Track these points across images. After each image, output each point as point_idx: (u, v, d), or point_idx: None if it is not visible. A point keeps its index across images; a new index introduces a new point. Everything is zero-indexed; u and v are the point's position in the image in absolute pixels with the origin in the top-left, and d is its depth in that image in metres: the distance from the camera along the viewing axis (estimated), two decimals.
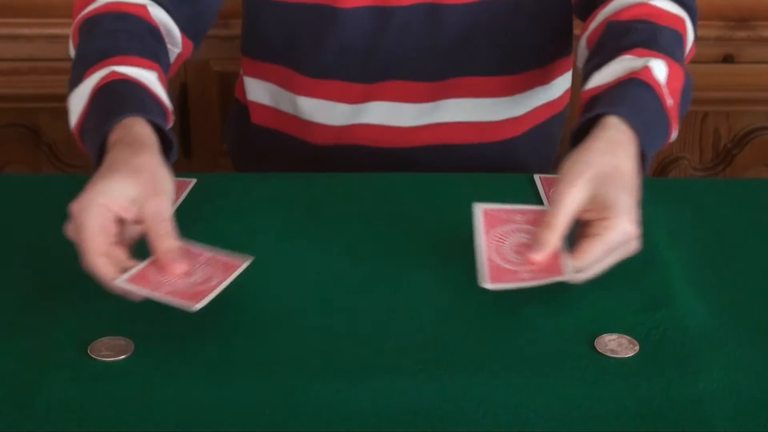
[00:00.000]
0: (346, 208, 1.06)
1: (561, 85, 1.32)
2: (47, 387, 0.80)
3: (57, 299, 0.91)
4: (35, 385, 0.81)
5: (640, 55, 1.03)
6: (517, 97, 1.27)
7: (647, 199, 1.06)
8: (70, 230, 0.90)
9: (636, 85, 1.00)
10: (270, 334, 0.87)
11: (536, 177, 1.12)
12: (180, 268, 0.88)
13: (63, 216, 1.04)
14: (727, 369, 0.83)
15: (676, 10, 1.11)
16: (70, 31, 1.13)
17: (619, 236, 0.89)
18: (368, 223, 1.04)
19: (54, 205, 1.07)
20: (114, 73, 1.00)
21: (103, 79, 1.00)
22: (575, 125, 1.00)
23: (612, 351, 0.85)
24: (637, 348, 0.85)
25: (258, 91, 1.32)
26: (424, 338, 0.86)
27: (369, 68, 1.23)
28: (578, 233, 0.91)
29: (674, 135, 1.03)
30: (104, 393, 0.80)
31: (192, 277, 0.87)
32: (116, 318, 0.88)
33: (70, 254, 0.97)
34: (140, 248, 0.90)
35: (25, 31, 1.72)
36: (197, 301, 0.84)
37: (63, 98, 1.77)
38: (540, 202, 1.08)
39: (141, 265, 0.87)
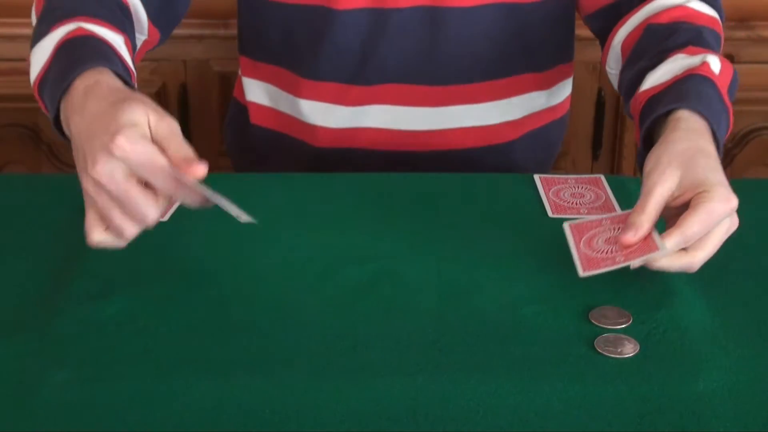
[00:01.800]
0: (346, 208, 1.06)
1: (561, 90, 1.32)
2: (47, 387, 0.80)
3: (57, 299, 0.91)
4: (35, 385, 0.81)
5: (694, 53, 1.04)
6: (515, 100, 1.27)
7: None
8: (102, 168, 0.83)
9: (699, 81, 1.00)
10: (270, 334, 0.87)
11: (536, 177, 1.12)
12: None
13: (63, 216, 1.04)
14: (727, 369, 0.83)
15: (710, 11, 1.13)
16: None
17: (720, 205, 0.87)
18: (368, 223, 1.04)
19: (54, 205, 1.07)
20: (81, 28, 0.97)
21: (69, 33, 0.97)
22: (645, 125, 1.00)
23: (612, 351, 0.85)
24: (637, 348, 0.85)
25: (257, 91, 1.32)
26: (424, 338, 0.86)
27: (367, 71, 1.23)
28: (678, 218, 0.89)
29: (732, 125, 1.04)
30: (104, 393, 0.80)
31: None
32: (117, 318, 0.88)
33: (70, 254, 0.97)
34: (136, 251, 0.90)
35: (26, 31, 1.72)
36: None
37: None
38: (540, 202, 1.08)
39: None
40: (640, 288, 0.93)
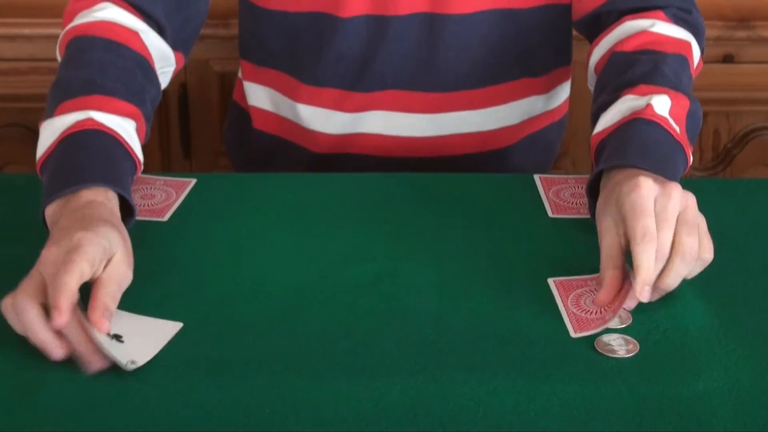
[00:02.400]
0: (346, 208, 1.06)
1: (559, 94, 1.32)
2: (47, 387, 0.80)
3: None
4: (35, 385, 0.81)
5: (643, 93, 1.04)
6: (514, 105, 1.27)
7: None
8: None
9: (642, 125, 1.00)
10: (270, 334, 0.87)
11: (536, 177, 1.12)
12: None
13: None
14: (727, 369, 0.83)
15: (680, 33, 1.12)
16: (61, 32, 1.11)
17: (630, 197, 0.89)
18: (368, 223, 1.04)
19: None
20: (91, 120, 0.98)
21: (78, 123, 0.98)
22: (590, 177, 1.00)
23: (612, 351, 0.85)
24: (637, 348, 0.85)
25: (258, 96, 1.32)
26: (424, 338, 0.86)
27: (366, 77, 1.23)
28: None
29: (690, 158, 1.03)
30: (104, 393, 0.80)
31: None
32: None
33: None
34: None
35: (25, 31, 1.72)
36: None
37: None
38: (540, 202, 1.08)
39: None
40: None
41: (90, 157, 0.96)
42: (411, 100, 1.24)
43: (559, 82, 1.31)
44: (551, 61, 1.28)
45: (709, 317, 0.89)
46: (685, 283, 0.93)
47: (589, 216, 1.03)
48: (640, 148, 0.98)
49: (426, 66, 1.22)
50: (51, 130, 0.99)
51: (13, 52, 1.73)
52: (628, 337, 0.86)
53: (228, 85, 1.75)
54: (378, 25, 1.20)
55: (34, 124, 1.79)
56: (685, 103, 1.04)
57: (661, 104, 1.02)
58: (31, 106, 1.77)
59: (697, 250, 0.89)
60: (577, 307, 0.90)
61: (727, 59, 1.76)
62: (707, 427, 0.77)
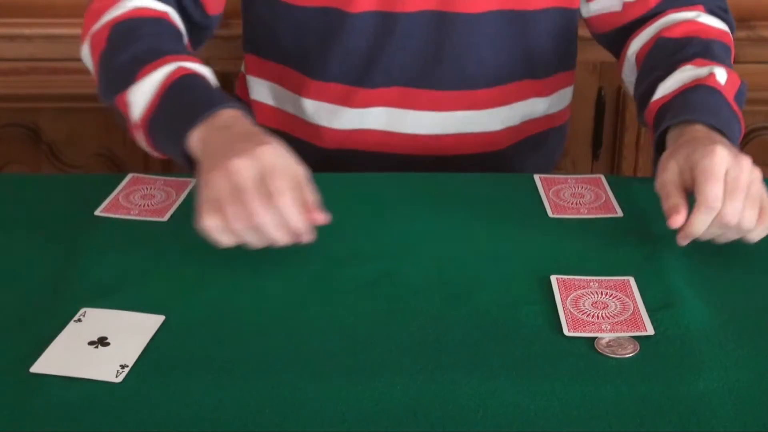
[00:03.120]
0: (346, 208, 1.06)
1: (561, 99, 1.33)
2: (47, 387, 0.80)
3: (57, 299, 0.91)
4: (35, 385, 0.81)
5: (702, 65, 1.11)
6: (515, 106, 1.27)
7: (647, 199, 1.06)
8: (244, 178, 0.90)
9: (706, 90, 1.06)
10: (270, 334, 0.87)
11: (536, 177, 1.13)
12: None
13: (63, 216, 1.04)
14: (727, 369, 0.83)
15: (721, 25, 1.20)
16: (87, 32, 1.13)
17: (706, 160, 0.94)
18: (368, 223, 1.04)
19: (54, 205, 1.07)
20: (182, 68, 1.03)
21: (173, 73, 1.03)
22: (656, 134, 1.06)
23: (612, 351, 0.85)
24: (637, 348, 0.85)
25: (262, 90, 1.32)
26: (424, 338, 0.86)
27: (373, 73, 1.23)
28: None
29: (744, 129, 1.09)
30: (104, 393, 0.80)
31: None
32: None
33: (70, 254, 0.97)
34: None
35: (25, 31, 1.72)
36: None
37: (63, 98, 1.78)
38: (540, 202, 1.08)
39: None
40: (640, 288, 0.93)
41: (207, 89, 1.02)
42: (416, 97, 1.24)
43: (561, 86, 1.31)
44: (555, 64, 1.28)
45: (709, 317, 0.89)
46: (686, 284, 0.93)
47: (589, 216, 1.03)
48: (708, 108, 1.04)
49: (432, 64, 1.22)
50: (142, 92, 1.03)
51: (13, 52, 1.73)
52: (629, 337, 0.86)
53: (229, 85, 1.75)
54: (386, 21, 1.20)
55: (34, 124, 1.80)
56: (736, 80, 1.11)
57: (721, 75, 1.09)
58: (31, 106, 1.77)
59: (754, 223, 0.94)
60: (575, 307, 0.90)
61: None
62: (707, 427, 0.77)
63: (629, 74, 1.23)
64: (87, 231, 1.01)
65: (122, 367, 0.82)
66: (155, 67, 1.04)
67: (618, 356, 0.84)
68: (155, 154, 1.07)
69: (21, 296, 0.92)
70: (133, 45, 1.07)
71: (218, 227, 0.91)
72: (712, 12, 1.20)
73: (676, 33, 1.17)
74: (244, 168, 0.90)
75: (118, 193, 1.08)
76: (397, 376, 0.82)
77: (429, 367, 0.83)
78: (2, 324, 0.88)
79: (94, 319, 0.87)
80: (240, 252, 0.98)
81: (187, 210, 1.05)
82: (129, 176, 1.12)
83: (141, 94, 1.03)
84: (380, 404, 0.79)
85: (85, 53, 1.13)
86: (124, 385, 0.81)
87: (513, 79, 1.25)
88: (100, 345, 0.84)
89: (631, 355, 0.84)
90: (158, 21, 1.11)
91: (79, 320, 0.87)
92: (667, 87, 1.10)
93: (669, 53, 1.15)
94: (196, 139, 0.97)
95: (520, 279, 0.94)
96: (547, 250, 0.99)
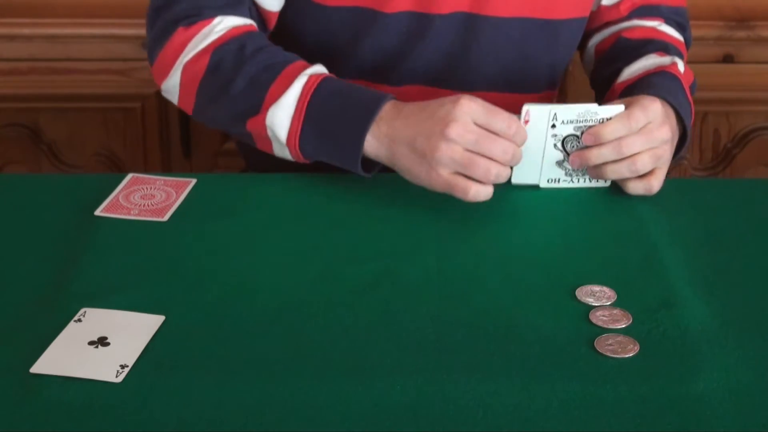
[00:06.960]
0: (347, 208, 1.06)
1: None
2: (47, 387, 0.80)
3: (57, 299, 0.91)
4: (35, 385, 0.81)
5: (664, 56, 1.19)
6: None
7: (647, 198, 1.06)
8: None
9: (668, 77, 1.15)
10: (270, 334, 0.87)
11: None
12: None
13: (63, 216, 1.04)
14: (727, 369, 0.83)
15: (678, 36, 1.28)
16: (172, 64, 1.14)
17: (636, 118, 1.03)
18: (368, 223, 1.04)
19: (54, 205, 1.07)
20: (313, 76, 1.08)
21: (308, 84, 1.07)
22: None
23: (612, 351, 0.85)
24: (637, 348, 0.85)
25: None
26: (424, 338, 0.86)
27: (397, 71, 1.23)
28: None
29: (693, 120, 1.17)
30: (104, 393, 0.80)
31: None
32: None
33: (70, 254, 0.97)
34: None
35: (25, 31, 1.73)
36: None
37: (63, 98, 1.78)
38: (540, 201, 1.08)
39: None
40: (640, 288, 0.93)
41: (353, 88, 1.08)
42: (436, 95, 1.24)
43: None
44: (554, 78, 1.30)
45: (709, 317, 0.89)
46: (686, 283, 0.93)
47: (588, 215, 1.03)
48: (668, 89, 1.12)
49: (456, 64, 1.23)
50: (282, 108, 1.07)
51: (13, 52, 1.73)
52: (628, 337, 0.86)
53: None
54: (420, 21, 1.20)
55: (34, 124, 1.80)
56: (691, 75, 1.21)
57: (681, 66, 1.18)
58: (31, 106, 1.77)
59: (647, 168, 1.05)
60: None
61: (727, 59, 1.76)
62: (707, 427, 0.77)
63: (588, 64, 1.33)
64: (87, 231, 1.01)
65: (122, 367, 0.82)
66: (284, 86, 1.07)
67: (618, 356, 0.84)
68: (306, 161, 1.10)
69: (21, 296, 0.92)
70: (247, 65, 1.10)
71: (478, 191, 1.01)
72: (671, 25, 1.29)
73: (636, 35, 1.26)
74: (460, 127, 1.00)
75: (118, 193, 1.08)
76: (397, 376, 0.82)
77: (429, 367, 0.83)
78: (2, 324, 0.88)
79: (94, 319, 0.87)
80: (240, 252, 0.98)
81: (187, 210, 1.05)
82: (129, 176, 1.12)
83: (283, 114, 1.07)
84: (380, 404, 0.79)
85: (173, 83, 1.15)
86: (124, 385, 0.81)
87: (535, 90, 1.26)
88: (100, 345, 0.84)
89: (631, 355, 0.84)
90: (255, 35, 1.15)
91: (79, 320, 0.87)
92: (632, 71, 1.20)
93: (630, 49, 1.24)
94: (376, 137, 1.04)
95: (520, 279, 0.94)
96: (547, 251, 0.99)
